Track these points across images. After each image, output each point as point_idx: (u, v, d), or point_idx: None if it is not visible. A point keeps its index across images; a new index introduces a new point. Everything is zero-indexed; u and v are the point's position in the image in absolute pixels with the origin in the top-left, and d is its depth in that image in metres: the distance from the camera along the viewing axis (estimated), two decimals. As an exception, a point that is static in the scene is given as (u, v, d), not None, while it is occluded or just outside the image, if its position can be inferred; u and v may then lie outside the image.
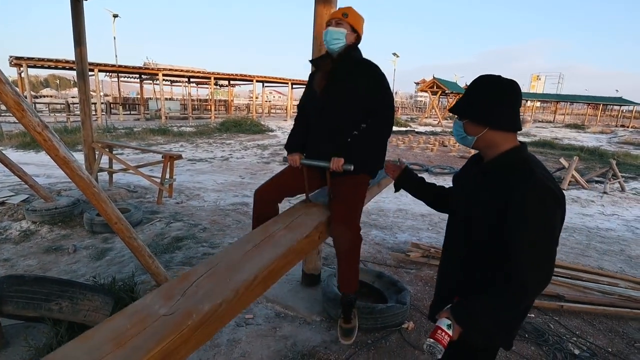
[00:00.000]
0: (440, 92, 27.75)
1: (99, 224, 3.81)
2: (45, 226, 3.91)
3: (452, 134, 1.25)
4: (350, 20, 1.65)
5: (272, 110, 34.14)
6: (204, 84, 29.22)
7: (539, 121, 36.17)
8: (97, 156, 5.26)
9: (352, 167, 1.57)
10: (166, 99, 24.24)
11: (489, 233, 1.04)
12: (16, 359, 1.79)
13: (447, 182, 7.72)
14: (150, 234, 3.92)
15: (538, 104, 44.87)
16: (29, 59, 15.14)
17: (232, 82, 27.31)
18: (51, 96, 39.27)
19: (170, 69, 21.59)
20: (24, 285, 1.86)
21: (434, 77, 26.98)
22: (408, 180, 1.50)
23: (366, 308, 2.33)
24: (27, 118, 1.87)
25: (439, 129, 21.83)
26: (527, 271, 0.95)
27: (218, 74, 22.07)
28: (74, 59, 4.82)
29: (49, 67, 17.24)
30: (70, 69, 16.79)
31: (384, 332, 2.34)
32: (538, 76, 57.67)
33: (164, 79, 21.75)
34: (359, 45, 1.75)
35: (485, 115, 1.06)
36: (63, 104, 21.17)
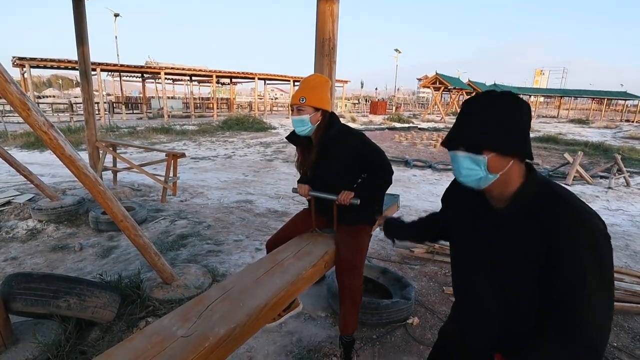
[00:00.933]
0: (442, 88, 27.60)
1: (104, 222, 3.84)
2: (52, 225, 3.94)
3: (456, 173, 0.93)
4: (310, 103, 1.63)
5: (275, 108, 34.12)
6: (205, 83, 29.24)
7: (543, 116, 35.93)
8: (101, 155, 5.29)
9: (358, 202, 1.64)
10: (168, 97, 24.31)
11: (527, 282, 0.86)
12: (26, 355, 1.82)
13: (450, 177, 7.69)
14: (155, 231, 3.94)
15: (542, 99, 44.57)
16: (31, 59, 15.21)
17: (234, 80, 27.31)
18: (54, 96, 39.45)
19: (172, 68, 21.61)
20: (32, 283, 1.88)
21: (436, 72, 26.84)
22: (393, 230, 1.48)
23: (371, 304, 2.33)
24: (32, 117, 1.89)
25: (441, 125, 21.75)
26: (592, 332, 0.78)
27: (220, 72, 22.07)
28: (76, 58, 4.84)
29: (52, 67, 17.31)
30: (73, 68, 16.87)
31: (389, 328, 2.35)
32: (542, 71, 57.24)
33: (166, 78, 21.78)
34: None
35: (517, 144, 0.84)
36: (66, 104, 21.29)
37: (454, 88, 27.82)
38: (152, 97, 26.19)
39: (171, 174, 5.08)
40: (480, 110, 0.86)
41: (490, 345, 0.98)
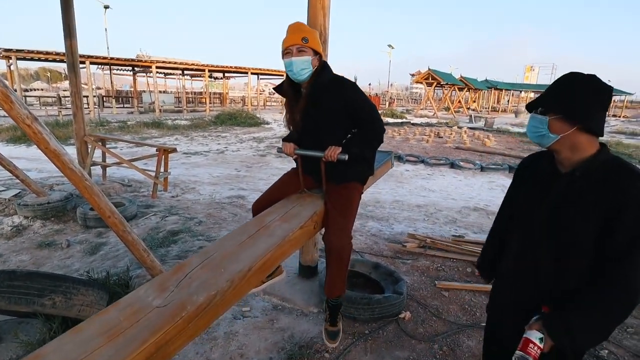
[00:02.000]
0: (435, 83, 27.67)
1: (92, 219, 3.77)
2: (38, 221, 3.86)
3: (527, 130, 1.12)
4: (311, 44, 1.54)
5: (268, 103, 33.89)
6: (198, 77, 28.87)
7: (534, 112, 36.26)
8: (89, 150, 5.18)
9: (346, 157, 1.54)
10: (160, 91, 23.95)
11: (584, 242, 1.00)
12: (9, 355, 1.77)
13: (442, 172, 7.75)
14: (145, 228, 3.88)
15: (532, 94, 44.96)
16: (18, 51, 14.83)
17: (226, 74, 27.01)
18: (42, 89, 38.60)
19: (163, 61, 21.26)
20: (17, 281, 1.83)
21: (429, 68, 26.87)
22: (490, 270, 1.42)
23: (363, 299, 2.33)
24: (15, 110, 1.82)
25: (434, 121, 21.83)
26: (636, 285, 0.94)
27: (212, 66, 21.80)
28: (64, 51, 4.71)
29: (39, 60, 16.92)
30: (61, 61, 16.49)
31: (381, 322, 2.35)
32: (532, 67, 57.70)
33: (157, 72, 21.42)
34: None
35: (581, 114, 0.99)
36: (54, 97, 20.84)
37: (447, 84, 27.92)
38: (144, 91, 25.77)
39: (162, 169, 5.00)
40: (561, 84, 1.04)
41: (538, 303, 1.10)
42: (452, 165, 8.23)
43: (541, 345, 1.02)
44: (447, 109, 31.05)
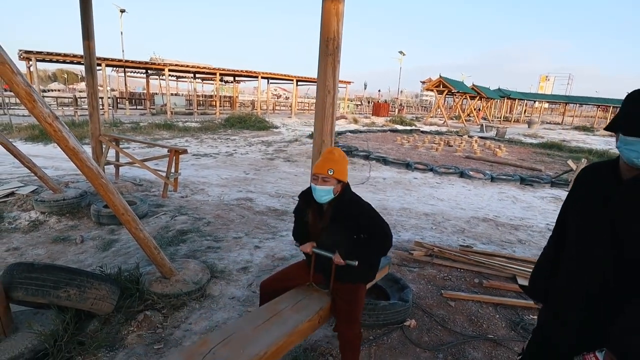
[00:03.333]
0: (446, 91, 27.56)
1: (105, 216, 3.86)
2: (54, 217, 3.97)
3: (623, 152, 1.04)
4: (335, 175, 1.73)
5: (277, 107, 34.17)
6: (209, 80, 29.30)
7: (547, 122, 35.85)
8: (104, 149, 5.31)
9: (356, 263, 1.73)
10: (172, 94, 24.36)
11: None
12: (25, 344, 1.83)
13: (451, 181, 7.71)
14: (155, 226, 3.96)
15: (546, 105, 44.44)
16: (37, 52, 15.27)
17: (237, 78, 27.36)
18: (59, 90, 39.60)
19: (176, 64, 21.69)
20: (34, 273, 1.90)
21: (440, 76, 26.80)
22: (542, 292, 1.40)
23: (369, 304, 2.34)
24: (38, 109, 1.91)
25: (444, 129, 21.72)
26: None
27: (223, 69, 22.11)
28: (81, 53, 4.87)
29: (57, 62, 17.39)
30: (78, 63, 16.93)
31: (386, 329, 2.36)
32: (547, 77, 57.08)
33: (169, 75, 21.84)
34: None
35: None
36: (71, 98, 21.36)
37: (458, 92, 27.78)
38: (156, 94, 26.26)
39: (173, 170, 5.10)
40: None
41: (594, 312, 1.10)
42: (462, 174, 8.18)
43: (600, 357, 1.05)
44: (458, 117, 30.88)
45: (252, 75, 23.56)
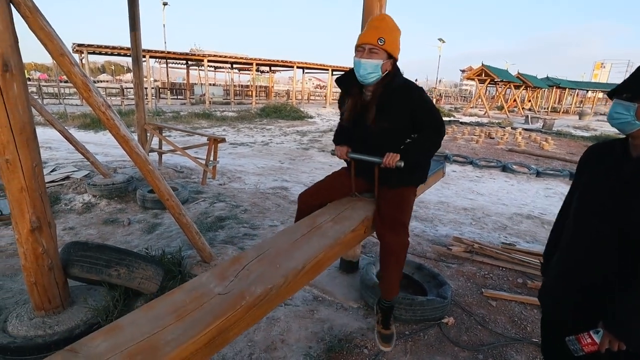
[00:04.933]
0: (489, 80, 26.05)
1: (150, 200, 4.08)
2: (104, 200, 4.25)
3: (608, 116, 1.11)
4: (387, 47, 1.39)
5: (312, 97, 34.17)
6: (245, 70, 29.83)
7: (601, 114, 32.87)
8: (148, 137, 5.59)
9: (402, 164, 1.49)
10: (210, 84, 25.12)
11: None
12: (80, 317, 1.98)
13: (492, 175, 7.32)
14: (195, 212, 4.12)
15: (600, 94, 40.71)
16: (89, 45, 16.29)
17: (273, 68, 27.61)
18: (107, 81, 42.27)
19: (214, 55, 22.26)
20: (88, 252, 2.04)
21: (482, 64, 25.35)
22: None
23: (405, 299, 2.28)
24: (92, 98, 2.01)
25: (485, 120, 20.64)
26: None
27: (260, 59, 22.39)
28: (127, 45, 5.10)
29: (106, 54, 18.45)
30: (125, 55, 17.86)
31: (423, 325, 2.29)
32: (602, 64, 52.22)
33: (208, 65, 22.49)
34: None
35: None
36: (118, 88, 22.71)
37: (501, 81, 26.16)
38: (195, 84, 27.21)
39: (211, 158, 5.26)
40: None
41: (594, 287, 1.11)
42: (504, 168, 7.73)
43: (596, 339, 1.04)
44: (500, 108, 29.18)
45: (287, 65, 23.67)
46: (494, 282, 2.93)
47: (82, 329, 1.93)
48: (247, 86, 32.71)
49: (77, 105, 15.93)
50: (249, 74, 29.73)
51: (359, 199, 1.76)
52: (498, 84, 28.08)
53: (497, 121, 19.69)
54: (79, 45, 16.22)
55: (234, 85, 28.52)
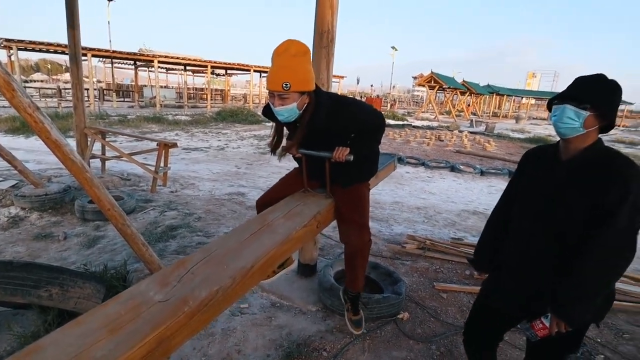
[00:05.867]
0: (437, 87, 27.67)
1: (90, 212, 3.74)
2: (35, 213, 3.83)
3: (551, 120, 1.18)
4: (295, 88, 1.34)
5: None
6: (200, 73, 28.82)
7: (534, 118, 36.38)
8: (89, 142, 5.16)
9: (352, 157, 1.51)
10: (161, 86, 23.88)
11: (575, 222, 1.12)
12: (3, 346, 1.75)
13: (442, 175, 7.75)
14: (143, 222, 3.86)
15: (533, 101, 45.05)
16: (19, 41, 14.75)
17: (229, 71, 26.95)
18: (42, 81, 38.47)
19: (165, 56, 21.21)
20: (13, 271, 1.81)
21: (432, 71, 26.87)
22: (485, 263, 1.55)
23: (362, 298, 2.32)
24: (17, 99, 1.80)
25: (435, 124, 21.85)
26: (626, 246, 1.06)
27: (215, 62, 21.75)
28: (66, 42, 4.69)
29: (40, 51, 16.82)
30: (63, 53, 16.43)
31: (379, 322, 2.34)
32: (534, 74, 57.94)
33: (159, 67, 21.37)
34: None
35: (612, 114, 1.11)
36: (54, 89, 20.76)
37: (449, 87, 27.93)
38: (145, 86, 25.70)
39: (162, 164, 4.98)
40: (596, 82, 1.11)
41: (536, 283, 1.23)
42: (453, 168, 8.23)
43: (546, 323, 1.13)
44: (448, 112, 31.08)
45: (244, 69, 23.25)
46: (444, 275, 3.09)
47: None
48: (202, 89, 31.56)
49: (3, 107, 14.30)
50: (203, 76, 28.71)
51: (311, 194, 1.76)
52: (446, 90, 29.95)
53: (446, 125, 20.93)
54: (7, 40, 14.62)
55: (188, 89, 27.39)
